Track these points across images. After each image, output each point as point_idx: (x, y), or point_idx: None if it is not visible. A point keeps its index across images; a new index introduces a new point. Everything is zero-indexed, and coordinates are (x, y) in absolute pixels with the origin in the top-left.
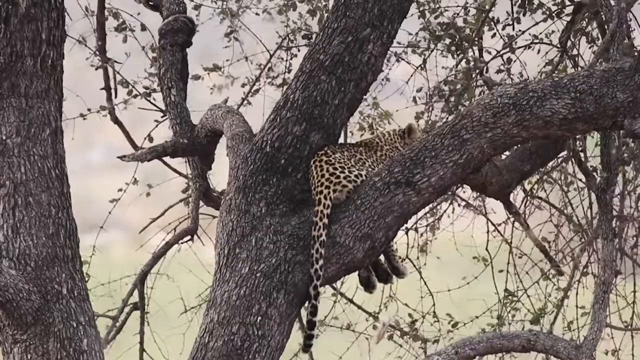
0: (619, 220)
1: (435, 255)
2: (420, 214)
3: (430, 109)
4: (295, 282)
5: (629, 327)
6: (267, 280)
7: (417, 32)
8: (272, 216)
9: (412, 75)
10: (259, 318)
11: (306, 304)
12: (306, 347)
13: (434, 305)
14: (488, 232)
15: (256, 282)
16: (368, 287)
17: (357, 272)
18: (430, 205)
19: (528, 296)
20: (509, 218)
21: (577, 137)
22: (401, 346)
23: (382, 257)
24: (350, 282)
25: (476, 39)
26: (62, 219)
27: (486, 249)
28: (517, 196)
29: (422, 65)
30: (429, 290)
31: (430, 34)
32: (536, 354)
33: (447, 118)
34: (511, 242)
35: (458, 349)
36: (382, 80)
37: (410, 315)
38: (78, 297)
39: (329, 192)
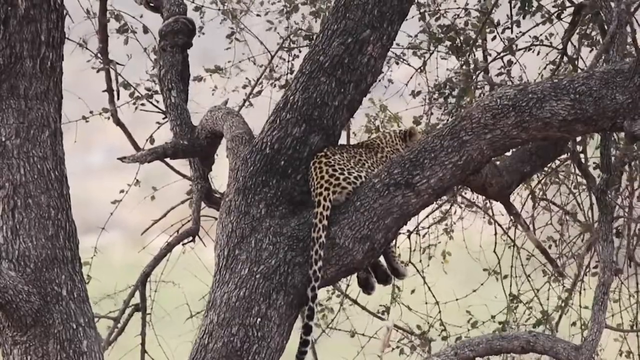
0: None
1: (438, 257)
2: (421, 216)
3: (430, 112)
4: (294, 283)
5: (633, 327)
6: (266, 281)
7: (416, 34)
8: (271, 218)
9: (412, 77)
10: (259, 319)
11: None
12: (301, 353)
13: (439, 312)
14: (496, 234)
15: (256, 284)
16: (367, 288)
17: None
18: (442, 209)
19: (537, 296)
20: (511, 219)
21: (577, 138)
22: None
23: (381, 258)
24: (355, 285)
25: (479, 41)
26: (62, 220)
27: (494, 251)
28: (523, 199)
29: (422, 68)
30: (434, 297)
31: (430, 36)
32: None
33: (447, 120)
34: (514, 241)
35: (457, 350)
36: (381, 79)
37: (418, 326)
38: (78, 298)
39: (328, 194)
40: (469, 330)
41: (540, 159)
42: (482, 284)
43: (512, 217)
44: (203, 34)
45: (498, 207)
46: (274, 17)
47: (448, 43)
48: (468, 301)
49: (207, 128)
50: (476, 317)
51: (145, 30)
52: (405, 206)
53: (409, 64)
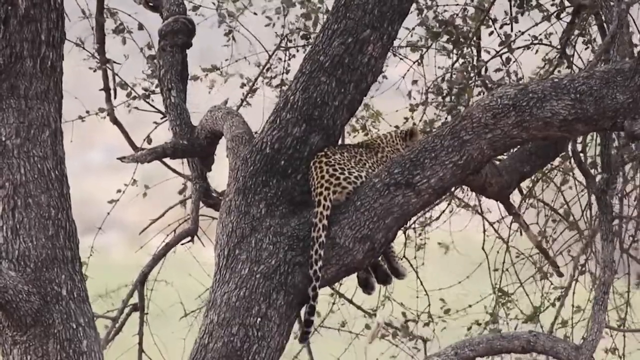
0: (619, 220)
1: (430, 253)
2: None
3: (425, 107)
4: (295, 283)
5: (622, 326)
6: (266, 281)
7: (413, 27)
8: (271, 217)
9: (407, 71)
10: (259, 319)
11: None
12: (305, 334)
13: (429, 305)
14: (484, 231)
15: (256, 284)
16: (367, 288)
17: (355, 273)
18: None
19: (526, 294)
20: (503, 218)
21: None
22: (397, 346)
23: (381, 258)
24: (349, 283)
25: (474, 38)
26: (62, 220)
27: (482, 248)
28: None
29: (419, 61)
30: (424, 289)
31: (427, 31)
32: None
33: (446, 117)
34: (508, 241)
35: (458, 350)
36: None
37: (403, 314)
38: (78, 298)
39: (328, 194)
40: (443, 329)
41: (540, 158)
42: (467, 277)
43: (511, 217)
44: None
45: (487, 204)
46: (271, 14)
47: (445, 38)
48: (459, 296)
49: (207, 128)
50: (469, 312)
51: (141, 27)
52: (405, 206)
53: (405, 58)
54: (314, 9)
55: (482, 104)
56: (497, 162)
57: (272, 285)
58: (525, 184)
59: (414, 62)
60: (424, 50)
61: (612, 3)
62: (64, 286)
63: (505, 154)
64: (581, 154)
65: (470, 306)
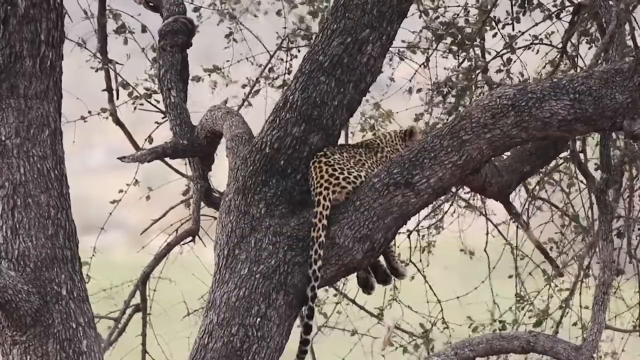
0: (625, 221)
1: (435, 255)
2: (421, 216)
3: (430, 109)
4: (294, 283)
5: (636, 328)
6: (266, 281)
7: (420, 30)
8: (271, 217)
9: (415, 73)
10: (258, 319)
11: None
12: (301, 353)
13: (441, 311)
14: (487, 233)
15: (255, 284)
16: (366, 287)
17: (355, 273)
18: (433, 206)
19: (528, 295)
20: (511, 219)
21: (577, 137)
22: (411, 353)
23: (381, 258)
24: (353, 283)
25: (478, 39)
26: (62, 220)
27: (484, 250)
28: (518, 197)
29: (425, 64)
30: (435, 296)
31: (432, 33)
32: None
33: (446, 119)
34: (517, 246)
35: (457, 350)
36: (384, 78)
37: (421, 325)
38: (77, 298)
39: (328, 193)
40: (470, 329)
41: (540, 158)
42: (482, 281)
43: (511, 217)
44: (199, 32)
45: (491, 206)
46: (272, 16)
47: (449, 40)
48: (466, 299)
49: (206, 127)
50: (476, 315)
51: (144, 29)
52: (404, 206)
53: (411, 60)
54: (320, 7)
55: (481, 104)
56: (497, 162)
57: (271, 285)
58: (532, 186)
59: (420, 65)
60: (430, 52)
61: (611, 3)
62: (64, 286)
63: (504, 153)
64: (581, 154)
65: (500, 319)
